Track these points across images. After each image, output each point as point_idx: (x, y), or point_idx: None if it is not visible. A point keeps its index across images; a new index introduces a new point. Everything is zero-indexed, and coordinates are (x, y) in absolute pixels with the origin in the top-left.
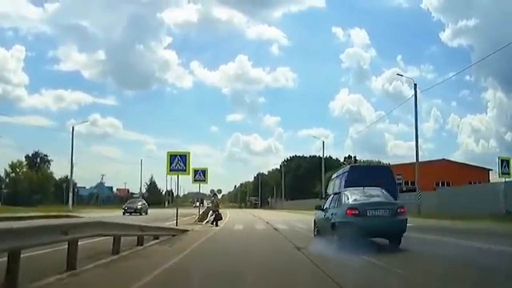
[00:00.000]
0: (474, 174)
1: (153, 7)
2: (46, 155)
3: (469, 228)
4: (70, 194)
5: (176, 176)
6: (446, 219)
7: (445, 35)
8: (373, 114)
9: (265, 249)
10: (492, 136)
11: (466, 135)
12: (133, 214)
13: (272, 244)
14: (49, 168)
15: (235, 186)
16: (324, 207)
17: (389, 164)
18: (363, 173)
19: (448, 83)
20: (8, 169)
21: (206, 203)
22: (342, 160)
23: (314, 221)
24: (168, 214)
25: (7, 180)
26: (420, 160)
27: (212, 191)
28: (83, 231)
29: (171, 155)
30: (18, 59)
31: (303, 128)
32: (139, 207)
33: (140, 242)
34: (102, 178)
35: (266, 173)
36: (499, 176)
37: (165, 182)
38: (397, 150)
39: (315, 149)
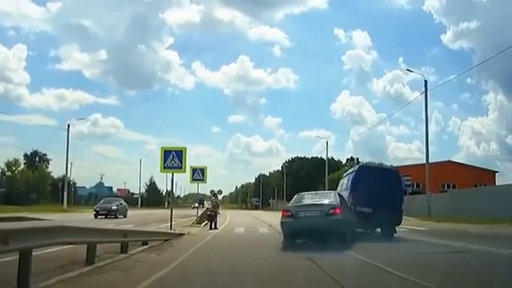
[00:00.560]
0: (480, 176)
1: (155, 7)
2: (45, 154)
3: (496, 234)
4: (65, 193)
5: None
6: (462, 223)
7: (446, 38)
8: (374, 116)
9: (270, 258)
10: (493, 139)
11: (467, 137)
12: (107, 217)
13: (279, 253)
14: (47, 167)
15: (236, 187)
16: None
17: (391, 165)
18: (370, 174)
19: (450, 85)
20: (4, 168)
21: (206, 204)
22: (344, 161)
23: None
24: (166, 216)
25: (4, 179)
26: (422, 162)
27: (212, 191)
28: (31, 239)
29: (165, 151)
30: (20, 58)
31: (305, 129)
32: (113, 208)
33: (124, 249)
34: (101, 178)
35: (267, 174)
36: None
37: (165, 183)
38: (398, 153)
39: (316, 150)
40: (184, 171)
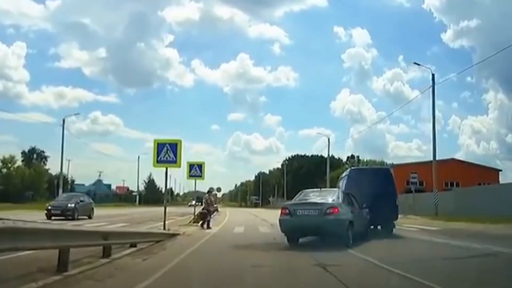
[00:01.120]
0: (484, 174)
1: (154, 5)
2: (43, 151)
3: None
4: (60, 190)
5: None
6: (472, 222)
7: (446, 36)
8: (374, 115)
9: (273, 262)
10: (493, 138)
11: (467, 136)
12: (63, 218)
13: (284, 256)
14: (45, 164)
15: (236, 185)
16: None
17: (392, 163)
18: (363, 175)
19: (450, 84)
20: (0, 165)
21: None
22: (345, 159)
23: None
24: (160, 214)
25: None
26: (426, 159)
27: (211, 188)
28: None
29: (158, 144)
30: (19, 56)
31: (304, 127)
32: (70, 206)
33: (106, 253)
34: (99, 175)
35: (267, 172)
36: None
37: (164, 180)
38: (398, 151)
39: (316, 148)
40: (179, 166)
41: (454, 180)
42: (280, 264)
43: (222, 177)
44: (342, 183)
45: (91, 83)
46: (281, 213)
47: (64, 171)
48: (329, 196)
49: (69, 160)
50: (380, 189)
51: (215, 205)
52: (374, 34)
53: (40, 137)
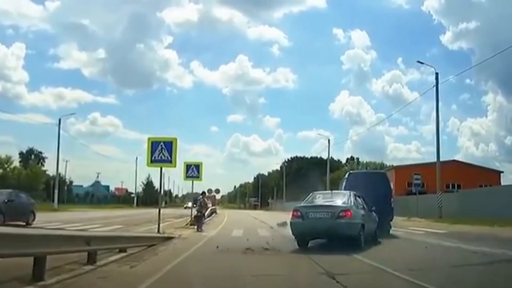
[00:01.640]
0: (485, 176)
1: (153, 6)
2: (40, 152)
3: None
4: (56, 192)
5: (173, 176)
6: (479, 224)
7: (445, 38)
8: (373, 117)
9: (279, 274)
10: (492, 140)
11: (466, 138)
12: None
13: (288, 265)
14: (43, 165)
15: (235, 187)
16: None
17: (392, 165)
18: (360, 179)
19: (449, 86)
20: None
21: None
22: (344, 161)
23: None
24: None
25: None
26: (425, 161)
27: (210, 190)
28: None
29: (152, 142)
30: (18, 57)
31: (303, 129)
32: None
33: (91, 259)
34: (97, 176)
35: (266, 174)
36: None
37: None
38: (397, 153)
39: (315, 150)
40: (175, 166)
41: (455, 182)
42: (284, 273)
43: (221, 178)
44: (341, 187)
45: (90, 84)
46: (292, 215)
47: (62, 172)
48: (341, 199)
49: (66, 161)
50: (377, 192)
51: (213, 207)
52: (373, 36)
53: (39, 138)
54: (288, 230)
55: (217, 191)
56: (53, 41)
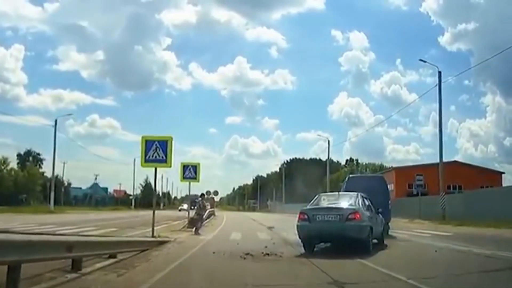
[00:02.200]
0: (486, 177)
1: (152, 8)
2: (38, 154)
3: None
4: (52, 193)
5: (172, 177)
6: (485, 226)
7: (444, 39)
8: (371, 118)
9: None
10: (491, 141)
11: (465, 139)
12: None
13: (291, 272)
14: (41, 167)
15: (233, 189)
16: None
17: (392, 166)
18: (359, 182)
19: (447, 87)
20: None
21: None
22: (343, 163)
23: None
24: (158, 217)
25: None
26: (424, 162)
27: (208, 192)
28: None
29: (146, 141)
30: (17, 59)
31: (302, 131)
32: None
33: (75, 266)
34: (95, 178)
35: (265, 175)
36: None
37: (160, 183)
38: (396, 154)
39: (314, 152)
40: (170, 166)
41: (456, 183)
42: (287, 282)
43: (219, 180)
44: (342, 190)
45: (89, 86)
46: (299, 218)
47: (60, 173)
48: (348, 201)
49: (64, 163)
50: (376, 194)
51: (211, 209)
52: (371, 37)
53: (37, 140)
54: (286, 233)
55: (215, 193)
56: (52, 43)
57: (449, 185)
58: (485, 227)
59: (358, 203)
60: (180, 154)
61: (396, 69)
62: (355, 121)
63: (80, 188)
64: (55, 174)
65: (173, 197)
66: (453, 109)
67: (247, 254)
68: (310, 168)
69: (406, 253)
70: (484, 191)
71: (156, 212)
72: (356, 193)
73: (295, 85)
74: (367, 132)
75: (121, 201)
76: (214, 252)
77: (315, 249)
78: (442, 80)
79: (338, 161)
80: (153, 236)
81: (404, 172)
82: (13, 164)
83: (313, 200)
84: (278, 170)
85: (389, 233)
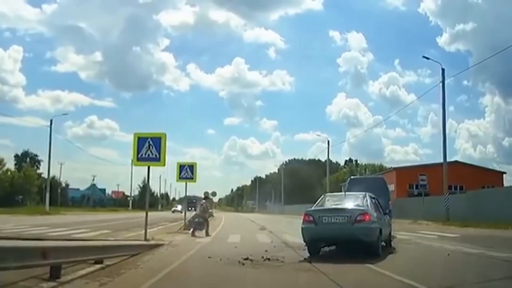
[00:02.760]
0: (488, 177)
1: (150, 9)
2: (36, 155)
3: None
4: (48, 194)
5: (170, 178)
6: (493, 228)
7: (442, 40)
8: (370, 119)
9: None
10: (490, 142)
11: (463, 140)
12: None
13: (295, 281)
14: (38, 168)
15: (232, 190)
16: None
17: (391, 167)
18: (360, 183)
19: (446, 88)
20: None
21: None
22: (342, 163)
23: None
24: (155, 219)
25: None
26: (428, 163)
27: (206, 193)
28: None
29: (139, 138)
30: (16, 60)
31: (300, 132)
32: None
33: (54, 274)
34: (93, 179)
35: (264, 176)
36: None
37: (158, 184)
38: (394, 155)
39: (312, 153)
40: (163, 164)
41: (458, 183)
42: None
43: (218, 181)
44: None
45: (87, 87)
46: (304, 220)
47: (57, 174)
48: (357, 201)
49: (61, 164)
50: (376, 195)
51: (210, 211)
52: (369, 38)
53: (36, 141)
54: (287, 236)
55: (214, 194)
56: (50, 44)
57: (450, 185)
58: (491, 228)
59: (367, 204)
60: (178, 155)
61: (395, 69)
62: (354, 122)
63: (78, 189)
64: (53, 175)
65: (171, 198)
66: (451, 109)
67: (246, 259)
68: (309, 169)
69: (417, 257)
70: (487, 191)
71: (154, 213)
72: (364, 193)
73: (293, 86)
74: (365, 133)
75: (119, 202)
76: (210, 257)
77: (319, 253)
78: (439, 82)
79: (337, 162)
80: (145, 239)
81: (405, 173)
82: (11, 165)
83: (318, 200)
84: (276, 171)
85: (392, 234)
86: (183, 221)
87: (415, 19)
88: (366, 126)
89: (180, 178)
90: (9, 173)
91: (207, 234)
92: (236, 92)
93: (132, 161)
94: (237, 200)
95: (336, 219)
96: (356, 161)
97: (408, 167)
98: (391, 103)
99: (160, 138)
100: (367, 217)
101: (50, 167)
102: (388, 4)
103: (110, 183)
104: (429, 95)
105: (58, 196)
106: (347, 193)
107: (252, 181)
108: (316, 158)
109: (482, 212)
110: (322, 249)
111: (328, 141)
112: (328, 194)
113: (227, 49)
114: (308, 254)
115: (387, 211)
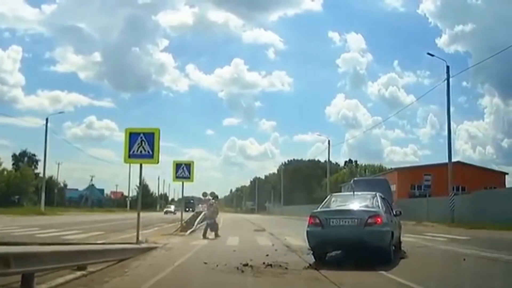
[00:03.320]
0: (490, 178)
1: (149, 9)
2: (34, 155)
3: None
4: (43, 194)
5: (169, 179)
6: (502, 229)
7: (441, 41)
8: (369, 120)
9: None
10: (489, 143)
11: (463, 141)
12: None
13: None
14: (36, 168)
15: (231, 191)
16: None
17: (391, 168)
18: (364, 184)
19: (445, 89)
20: None
21: (201, 207)
22: (342, 164)
23: None
24: (152, 220)
25: None
26: (429, 163)
27: (212, 194)
28: None
29: (131, 133)
30: (15, 60)
31: (299, 133)
32: None
33: (26, 283)
34: (91, 179)
35: (263, 177)
36: None
37: (156, 185)
38: (393, 156)
39: (311, 153)
40: (156, 162)
41: (460, 184)
42: None
43: (217, 182)
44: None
45: (86, 88)
46: (310, 223)
47: (55, 174)
48: (367, 202)
49: (58, 164)
50: None
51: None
52: (369, 39)
53: (35, 141)
54: (289, 238)
55: (212, 194)
56: (49, 44)
57: (452, 186)
58: (498, 229)
59: (378, 205)
60: (177, 156)
61: (394, 70)
62: (353, 123)
63: (77, 189)
64: (50, 175)
65: (170, 198)
66: (451, 110)
67: (246, 265)
68: (308, 170)
69: (432, 262)
70: (492, 192)
71: (152, 214)
72: (373, 193)
73: (292, 86)
74: (364, 134)
75: (118, 202)
76: (206, 262)
77: (325, 257)
78: (437, 84)
79: (336, 163)
80: (137, 242)
81: (407, 173)
82: (9, 165)
83: (325, 201)
84: (276, 171)
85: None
86: (182, 222)
87: (414, 20)
88: (365, 127)
89: (177, 177)
90: (5, 172)
91: (216, 235)
92: (235, 92)
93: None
94: (236, 200)
95: (345, 221)
96: (356, 162)
97: (410, 167)
98: (390, 104)
99: (153, 133)
100: (379, 219)
101: (45, 166)
102: (387, 5)
103: (109, 184)
104: (428, 96)
105: (55, 196)
106: (356, 193)
107: (251, 182)
108: (316, 159)
109: (487, 213)
110: (330, 254)
111: (329, 141)
112: (334, 194)
113: (226, 50)
114: (313, 260)
115: (397, 212)
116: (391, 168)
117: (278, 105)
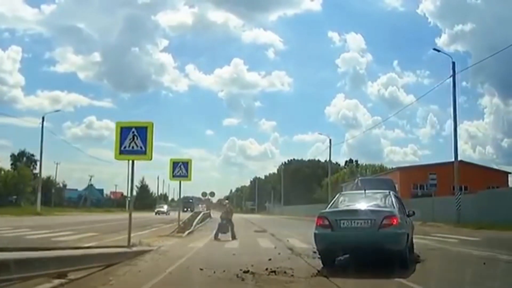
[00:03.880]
0: (492, 177)
1: (149, 9)
2: (32, 155)
3: None
4: (39, 194)
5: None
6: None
7: (441, 41)
8: (369, 120)
9: None
10: (489, 143)
11: (462, 141)
12: None
13: None
14: (35, 167)
15: (231, 191)
16: None
17: (392, 168)
18: (369, 184)
19: (445, 89)
20: None
21: (201, 208)
22: (342, 164)
23: None
24: (150, 220)
25: None
26: (431, 162)
27: (204, 194)
28: None
29: (122, 128)
30: (14, 60)
31: (299, 133)
32: None
33: None
34: (90, 179)
35: (263, 177)
36: None
37: (156, 185)
38: (393, 156)
39: (311, 153)
40: (149, 158)
41: (462, 184)
42: None
43: (217, 182)
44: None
45: (86, 88)
46: (318, 224)
47: (53, 174)
48: (380, 201)
49: (57, 164)
50: None
51: (207, 211)
52: (368, 39)
53: (34, 141)
54: (292, 240)
55: (212, 194)
56: (49, 45)
57: (454, 185)
58: (507, 230)
59: (392, 204)
60: (177, 156)
61: (393, 70)
62: (353, 123)
63: (76, 189)
64: (49, 175)
65: (170, 199)
66: (450, 110)
67: (246, 271)
68: (308, 170)
69: (451, 267)
70: (497, 192)
71: (151, 214)
72: (387, 191)
73: (292, 87)
74: (364, 134)
75: (117, 202)
76: (202, 268)
77: (334, 262)
78: (437, 84)
79: (337, 162)
80: (128, 245)
81: (409, 173)
82: (7, 165)
83: (333, 200)
84: (276, 171)
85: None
86: (180, 223)
87: (414, 20)
88: (365, 127)
89: (174, 176)
90: (2, 172)
91: (233, 238)
92: (235, 93)
93: (128, 161)
94: (236, 201)
95: (358, 223)
96: (356, 161)
97: (412, 167)
98: (390, 104)
99: (146, 127)
100: (395, 220)
101: (41, 165)
102: (387, 5)
103: (108, 184)
104: (428, 96)
105: (53, 196)
106: (367, 191)
107: (251, 182)
108: (316, 159)
109: (493, 213)
110: (338, 258)
111: (330, 140)
112: (343, 192)
113: (226, 50)
114: (321, 265)
115: (410, 212)
116: (393, 168)
117: (278, 105)
